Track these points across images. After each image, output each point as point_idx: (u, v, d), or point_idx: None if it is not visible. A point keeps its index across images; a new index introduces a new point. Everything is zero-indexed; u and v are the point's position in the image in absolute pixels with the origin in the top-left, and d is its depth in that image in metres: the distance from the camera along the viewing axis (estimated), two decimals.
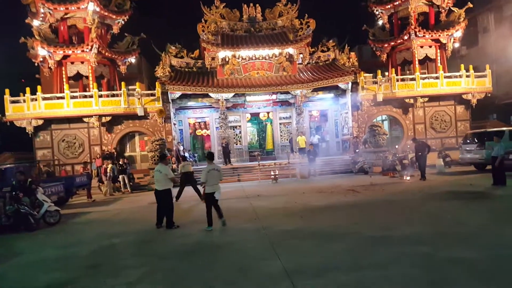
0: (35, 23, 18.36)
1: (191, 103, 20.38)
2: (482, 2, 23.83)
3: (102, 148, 18.42)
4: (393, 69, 21.09)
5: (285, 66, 20.11)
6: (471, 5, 19.94)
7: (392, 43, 21.12)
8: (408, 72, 21.28)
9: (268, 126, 22.25)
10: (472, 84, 19.58)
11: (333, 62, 21.06)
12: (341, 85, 19.31)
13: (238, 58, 19.84)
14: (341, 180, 14.30)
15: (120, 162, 16.01)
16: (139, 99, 18.20)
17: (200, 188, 9.43)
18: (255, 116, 22.23)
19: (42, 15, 18.15)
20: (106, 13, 18.92)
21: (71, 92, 17.96)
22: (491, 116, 23.40)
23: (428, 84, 19.46)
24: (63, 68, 18.59)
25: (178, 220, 7.94)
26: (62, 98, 17.68)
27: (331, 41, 21.52)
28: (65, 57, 18.42)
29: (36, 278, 5.12)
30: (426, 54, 20.54)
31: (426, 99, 19.59)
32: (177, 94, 18.69)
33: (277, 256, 5.22)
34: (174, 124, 19.85)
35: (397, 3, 20.58)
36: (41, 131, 18.17)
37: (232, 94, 19.02)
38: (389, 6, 21.01)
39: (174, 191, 8.62)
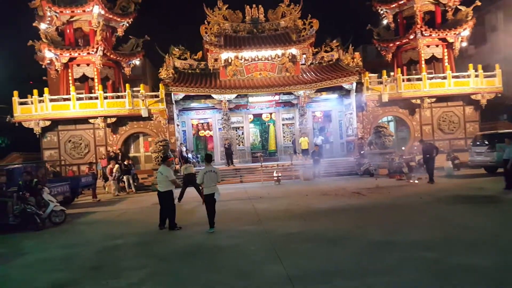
0: (42, 26, 18.63)
1: (194, 104, 20.43)
2: (490, 0, 23.40)
3: (107, 149, 18.53)
4: (399, 69, 20.77)
5: (288, 67, 20.00)
6: (479, 3, 19.57)
7: (398, 43, 20.85)
8: (414, 72, 20.89)
9: (271, 127, 22.14)
10: (481, 84, 19.22)
11: (336, 62, 20.86)
12: (345, 86, 19.14)
13: (241, 59, 19.80)
14: (346, 183, 14.12)
15: (125, 163, 16.13)
16: (143, 100, 18.28)
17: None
18: (257, 117, 22.15)
19: (49, 18, 18.36)
20: (111, 16, 19.07)
21: (77, 93, 18.11)
22: (502, 117, 22.76)
23: (435, 84, 19.16)
24: (69, 70, 18.79)
25: (181, 221, 7.92)
26: (68, 99, 17.86)
27: (334, 41, 21.30)
28: (71, 59, 18.62)
29: (38, 279, 5.14)
30: (433, 53, 20.25)
31: (434, 99, 19.27)
32: (181, 95, 18.74)
33: (280, 260, 5.14)
34: (178, 125, 19.89)
35: (402, 2, 20.26)
36: (48, 132, 18.35)
37: (235, 95, 19.00)
38: (394, 5, 20.72)
39: (177, 193, 8.58)
